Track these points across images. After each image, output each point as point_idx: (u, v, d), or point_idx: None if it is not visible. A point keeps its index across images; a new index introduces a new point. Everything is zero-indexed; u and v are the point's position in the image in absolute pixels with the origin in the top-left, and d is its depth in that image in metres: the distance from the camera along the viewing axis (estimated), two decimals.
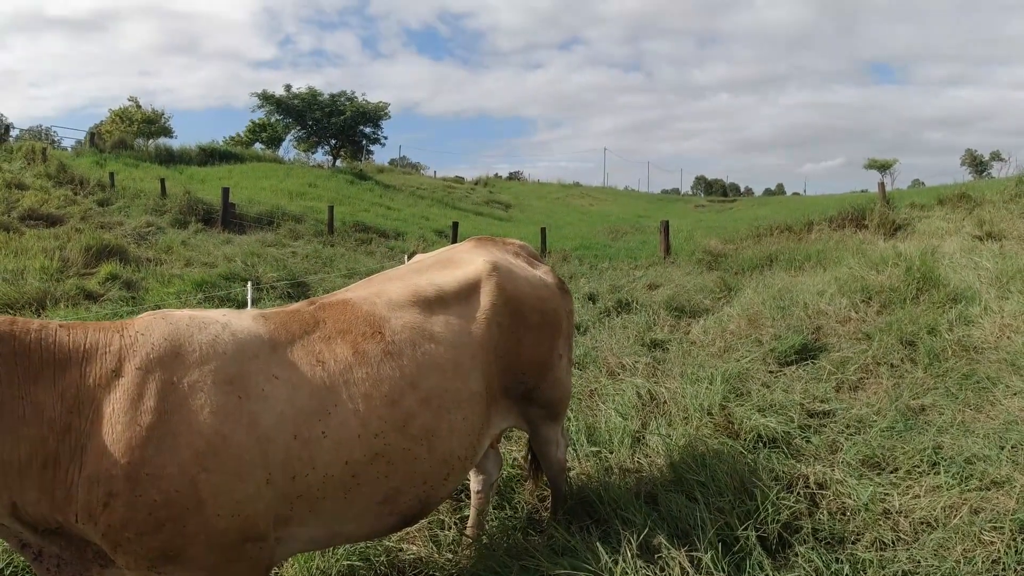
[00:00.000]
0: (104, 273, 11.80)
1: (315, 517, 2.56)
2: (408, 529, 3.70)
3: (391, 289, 3.03)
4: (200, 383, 2.36)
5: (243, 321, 2.62)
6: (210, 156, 36.06)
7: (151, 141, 37.14)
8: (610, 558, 2.91)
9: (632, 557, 2.90)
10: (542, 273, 3.51)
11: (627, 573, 2.83)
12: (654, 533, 3.13)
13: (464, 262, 3.30)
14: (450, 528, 3.82)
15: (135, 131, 39.42)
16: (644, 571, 2.84)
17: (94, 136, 36.80)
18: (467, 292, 3.14)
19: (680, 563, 2.89)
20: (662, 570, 2.91)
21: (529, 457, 4.03)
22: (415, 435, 2.72)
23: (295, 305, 2.91)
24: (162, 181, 23.12)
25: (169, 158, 34.02)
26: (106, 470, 2.19)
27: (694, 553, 2.99)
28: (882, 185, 15.47)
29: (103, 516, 2.20)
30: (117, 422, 2.23)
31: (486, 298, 3.15)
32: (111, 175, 24.14)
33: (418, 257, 3.48)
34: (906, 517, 3.73)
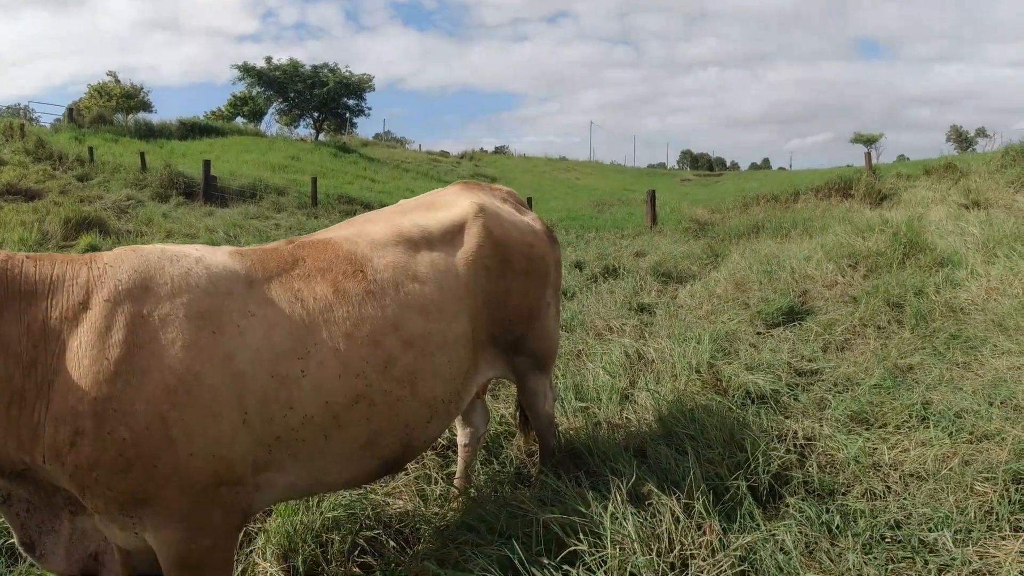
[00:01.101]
0: (84, 244, 11.66)
1: (294, 462, 2.46)
2: (395, 484, 3.65)
3: (373, 229, 2.91)
4: (171, 316, 2.24)
5: (218, 256, 2.49)
6: (191, 130, 35.65)
7: (130, 116, 36.72)
8: (600, 505, 2.85)
9: (622, 502, 2.85)
10: (529, 219, 3.41)
11: (617, 518, 2.77)
12: (644, 482, 3.08)
13: (449, 204, 3.19)
14: (437, 483, 3.75)
15: (114, 106, 38.94)
16: (635, 517, 2.78)
17: (73, 112, 36.28)
18: (452, 234, 3.04)
19: (672, 509, 2.83)
20: (652, 516, 2.86)
21: (518, 412, 3.96)
22: (398, 377, 2.62)
23: (273, 244, 2.79)
24: (142, 155, 22.79)
25: (149, 133, 33.61)
26: (72, 407, 2.09)
27: (686, 501, 2.94)
28: (868, 155, 15.45)
29: (70, 455, 2.10)
30: (84, 356, 2.12)
31: (472, 240, 3.04)
32: (90, 150, 23.83)
33: (402, 201, 3.37)
34: (896, 470, 3.70)
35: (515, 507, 3.04)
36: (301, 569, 3.03)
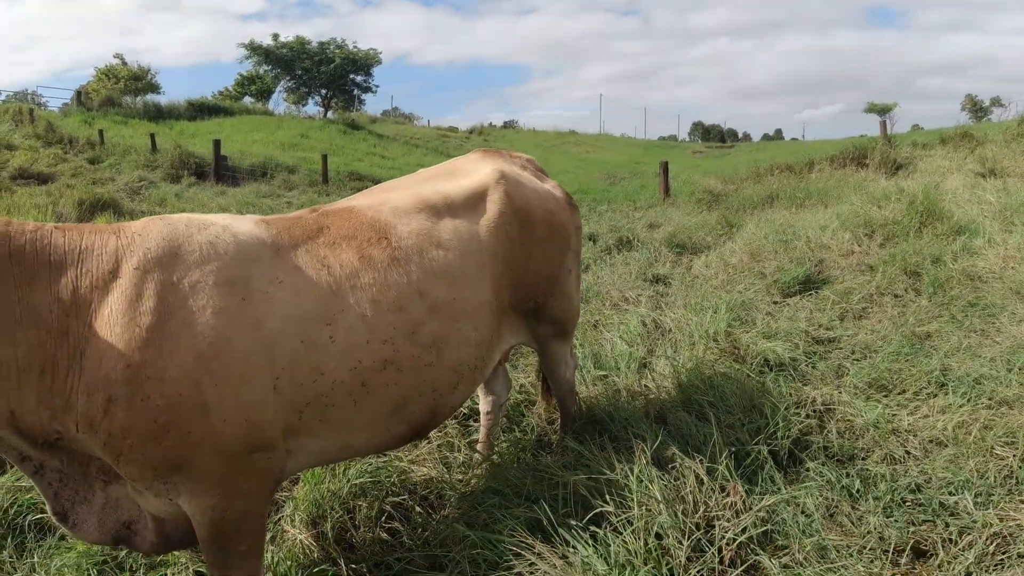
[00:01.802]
0: None
1: (325, 427, 2.49)
2: (418, 452, 3.70)
3: (396, 197, 2.93)
4: (201, 283, 2.26)
5: (244, 224, 2.52)
6: (199, 111, 35.67)
7: (139, 98, 36.74)
8: (624, 467, 2.89)
9: (647, 465, 2.88)
10: (550, 186, 3.42)
11: (642, 480, 2.81)
12: (666, 446, 3.11)
13: (470, 171, 3.21)
14: (460, 450, 3.80)
15: (122, 88, 38.97)
16: (660, 479, 2.82)
17: (81, 95, 36.32)
18: (474, 200, 3.05)
19: (695, 472, 2.87)
20: (676, 479, 2.89)
21: (540, 379, 3.99)
22: (424, 342, 2.65)
23: (297, 212, 2.81)
24: (152, 136, 22.86)
25: (158, 114, 33.64)
26: (105, 374, 2.11)
27: (709, 465, 2.97)
28: (884, 124, 15.30)
29: (104, 423, 2.13)
30: (115, 324, 2.14)
31: (494, 207, 3.06)
32: (100, 132, 23.89)
33: (421, 170, 3.38)
34: (915, 435, 3.71)
35: (541, 471, 3.08)
36: (330, 535, 3.08)
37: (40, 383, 2.11)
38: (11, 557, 3.10)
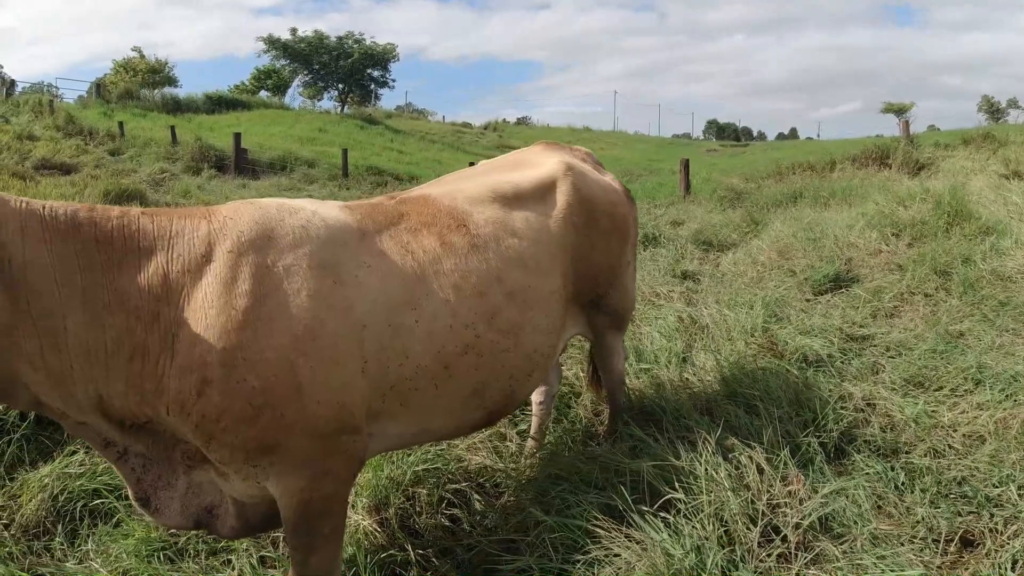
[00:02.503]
0: None
1: (406, 411, 2.55)
2: (471, 440, 3.77)
3: (468, 187, 2.99)
4: (295, 266, 2.29)
5: (331, 210, 2.57)
6: (217, 104, 35.95)
7: (157, 91, 37.02)
8: (688, 455, 2.98)
9: (712, 454, 2.97)
10: (609, 179, 3.50)
11: (708, 469, 2.90)
12: (725, 436, 3.20)
13: (537, 163, 3.28)
14: (511, 440, 3.89)
15: (140, 81, 39.23)
16: (724, 468, 2.91)
17: (100, 87, 36.60)
18: (543, 191, 3.12)
19: (756, 461, 2.95)
20: (736, 468, 2.98)
21: (590, 368, 4.08)
22: (503, 328, 2.70)
23: (375, 199, 2.88)
24: (172, 129, 23.06)
25: (176, 107, 33.94)
26: (200, 357, 2.13)
27: (767, 454, 3.06)
28: (906, 124, 15.35)
29: (197, 406, 2.15)
30: (210, 307, 2.16)
31: (562, 197, 3.12)
32: (120, 124, 24.13)
33: (483, 162, 3.47)
34: (955, 430, 3.78)
35: (606, 459, 3.17)
36: (394, 521, 3.15)
37: (129, 368, 2.14)
38: (62, 544, 3.13)
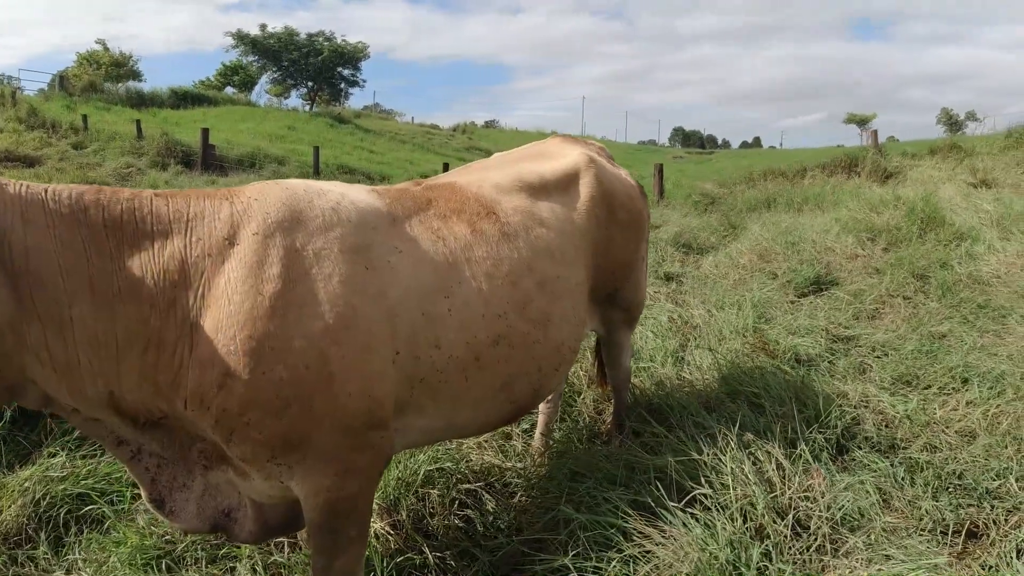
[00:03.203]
0: None
1: (434, 404, 2.46)
2: (477, 440, 3.73)
3: (493, 175, 2.94)
4: (326, 250, 2.18)
5: (360, 193, 2.48)
6: (183, 99, 35.39)
7: (121, 84, 36.30)
8: (710, 451, 3.00)
9: (736, 449, 2.99)
10: (624, 174, 3.51)
11: (734, 463, 2.92)
12: (742, 432, 3.23)
13: (560, 154, 3.26)
14: (516, 439, 3.86)
15: (103, 75, 38.46)
16: (745, 462, 2.93)
17: (63, 80, 35.78)
18: (567, 182, 3.09)
19: (775, 457, 2.99)
20: (754, 463, 3.01)
21: (596, 364, 4.09)
22: (533, 319, 2.64)
23: (401, 184, 2.80)
24: (138, 123, 22.68)
25: (140, 101, 33.32)
26: (223, 346, 2.00)
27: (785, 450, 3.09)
28: (875, 133, 15.67)
29: (218, 399, 2.02)
30: (234, 292, 2.03)
31: (586, 189, 3.11)
32: (84, 118, 23.60)
33: (496, 154, 3.45)
34: (948, 427, 3.87)
35: (628, 456, 3.17)
36: (407, 523, 3.06)
37: (143, 360, 2.01)
38: (47, 553, 2.97)
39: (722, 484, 2.87)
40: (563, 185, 3.07)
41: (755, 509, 2.76)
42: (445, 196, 2.67)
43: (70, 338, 1.95)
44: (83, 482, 3.30)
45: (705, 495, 2.84)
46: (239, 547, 2.95)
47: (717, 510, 2.76)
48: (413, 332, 2.32)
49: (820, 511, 2.79)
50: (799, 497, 2.87)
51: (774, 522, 2.72)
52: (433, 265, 2.43)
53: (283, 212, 2.19)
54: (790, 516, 2.77)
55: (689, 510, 2.77)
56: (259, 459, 2.15)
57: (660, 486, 2.89)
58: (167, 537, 3.01)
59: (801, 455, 3.10)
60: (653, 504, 2.80)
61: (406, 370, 2.33)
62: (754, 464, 3.00)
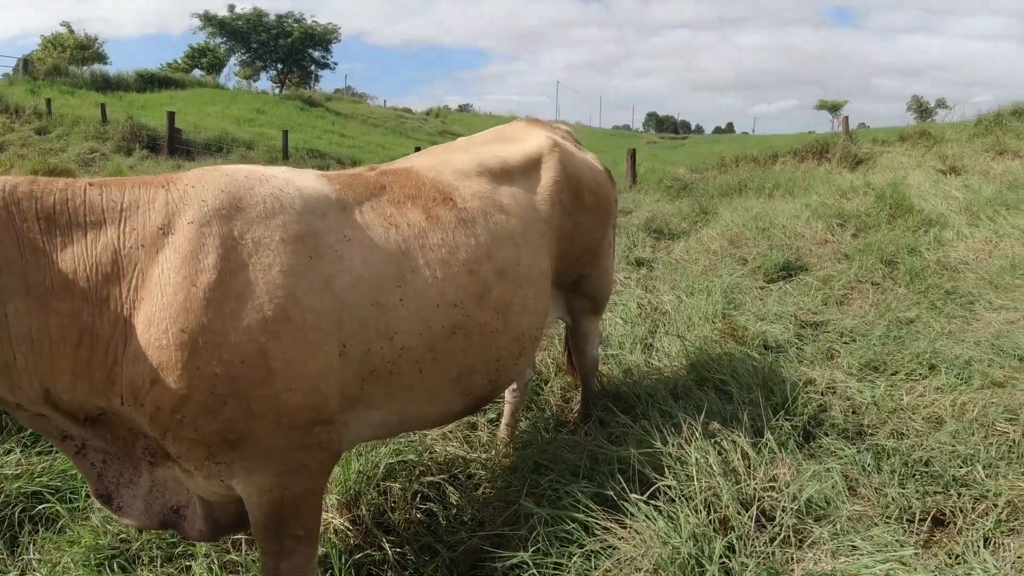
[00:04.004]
0: None
1: (387, 397, 2.37)
2: (441, 431, 3.65)
3: (454, 159, 2.85)
4: (267, 239, 2.08)
5: (307, 178, 2.37)
6: (149, 82, 34.68)
7: (85, 68, 35.50)
8: (675, 441, 2.95)
9: (701, 439, 2.94)
10: (591, 158, 3.44)
11: (698, 453, 2.87)
12: (707, 421, 3.18)
13: (523, 138, 3.18)
14: (481, 429, 3.80)
15: (68, 58, 37.63)
16: (710, 453, 2.88)
17: (27, 63, 34.91)
18: (530, 167, 3.01)
19: (740, 446, 2.94)
20: (719, 453, 2.96)
21: (566, 353, 4.02)
22: (492, 307, 2.55)
23: (355, 169, 2.69)
24: (102, 107, 22.19)
25: (106, 85, 32.59)
26: (155, 341, 1.91)
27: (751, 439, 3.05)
28: (846, 119, 15.71)
29: (151, 395, 1.94)
30: (168, 284, 1.94)
31: (549, 174, 3.02)
32: (48, 102, 23.08)
33: (461, 138, 3.35)
34: (915, 413, 3.86)
35: (592, 447, 3.11)
36: (367, 518, 3.00)
37: (76, 356, 1.94)
38: (1, 554, 2.89)
39: (687, 475, 2.81)
40: (526, 169, 2.99)
41: (720, 500, 2.71)
42: (400, 181, 2.57)
43: (5, 336, 1.87)
44: (38, 479, 3.21)
45: (669, 487, 2.79)
46: (195, 545, 2.88)
47: (681, 502, 2.72)
48: (362, 323, 2.23)
49: (785, 502, 2.75)
50: (765, 487, 2.82)
51: (739, 514, 2.67)
52: (384, 253, 2.33)
53: (221, 199, 2.09)
54: (754, 508, 2.72)
55: (653, 502, 2.71)
56: (196, 457, 2.07)
57: (624, 478, 2.83)
58: (122, 536, 2.95)
59: (767, 444, 3.05)
60: (615, 497, 2.75)
61: (355, 363, 2.24)
62: (720, 454, 2.96)
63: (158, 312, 1.93)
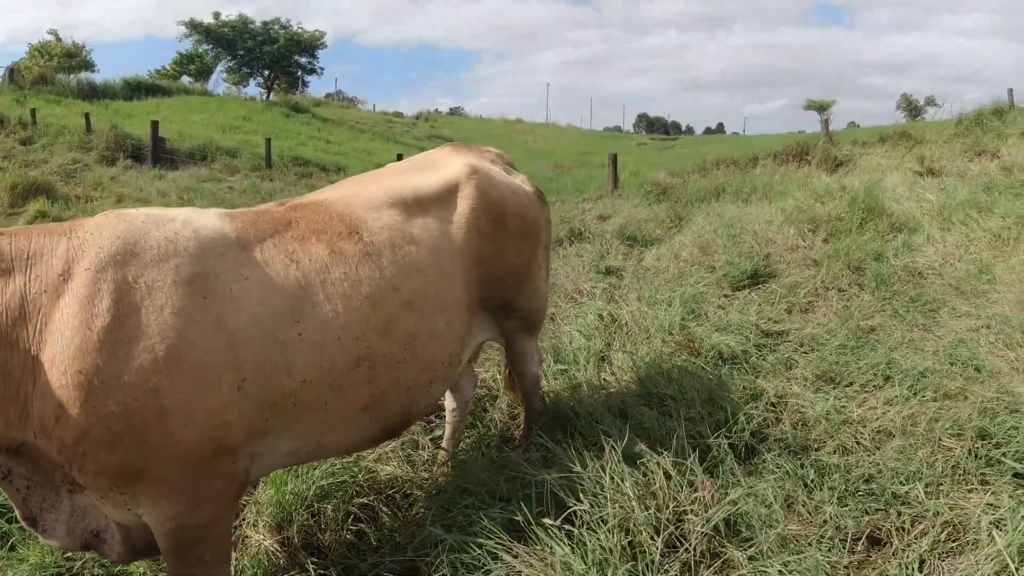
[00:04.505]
0: (32, 211, 11.40)
1: (294, 428, 2.44)
2: (382, 450, 3.65)
3: (367, 191, 2.89)
4: (159, 282, 2.19)
5: (206, 219, 2.44)
6: (136, 90, 34.50)
7: (72, 76, 35.32)
8: (596, 465, 2.92)
9: (618, 462, 2.91)
10: (520, 181, 3.42)
11: (614, 478, 2.84)
12: (634, 442, 3.15)
13: (442, 165, 3.18)
14: (424, 448, 3.78)
15: (55, 66, 37.47)
16: (631, 477, 2.85)
17: (13, 73, 34.79)
18: (446, 195, 3.03)
19: (664, 468, 2.91)
20: (644, 475, 2.93)
21: (507, 372, 3.99)
22: (398, 339, 2.61)
23: (264, 205, 2.75)
24: (87, 116, 21.99)
25: (92, 93, 32.41)
26: (56, 380, 2.05)
27: (674, 459, 3.02)
28: (826, 122, 15.75)
29: (56, 431, 2.07)
30: (66, 327, 2.07)
31: (465, 202, 3.04)
32: (32, 112, 22.87)
33: (390, 164, 3.35)
34: (865, 427, 3.82)
35: (513, 470, 3.09)
36: (296, 540, 3.03)
37: None
38: None
39: (604, 499, 2.78)
40: (442, 198, 3.02)
41: (634, 524, 2.68)
42: (307, 216, 2.64)
43: None
44: None
45: (584, 511, 2.76)
46: (133, 564, 2.96)
47: (597, 525, 2.69)
48: (260, 359, 2.32)
49: (701, 526, 2.71)
50: (684, 509, 2.79)
51: (651, 539, 2.64)
52: (283, 289, 2.41)
53: (117, 245, 2.21)
54: (666, 532, 2.68)
55: (567, 527, 2.69)
56: (102, 488, 2.19)
57: (541, 501, 2.83)
58: (68, 555, 3.02)
59: (691, 465, 3.01)
60: (527, 522, 2.73)
61: (256, 397, 2.31)
62: (644, 475, 2.93)
63: (59, 354, 2.06)
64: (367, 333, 2.52)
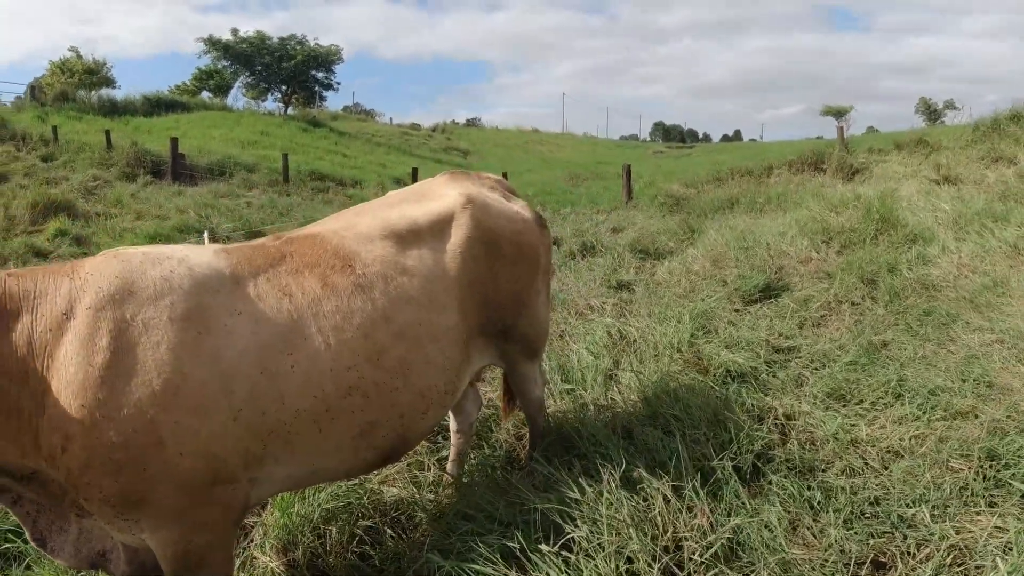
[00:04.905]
0: (53, 229, 11.62)
1: (290, 455, 2.53)
2: (388, 472, 3.69)
3: (361, 223, 2.96)
4: (155, 319, 2.30)
5: (202, 256, 2.55)
6: (156, 106, 34.92)
7: (93, 92, 35.81)
8: (594, 490, 2.92)
9: (616, 488, 2.92)
10: (518, 207, 3.44)
11: (612, 504, 2.85)
12: (634, 466, 3.15)
13: (438, 195, 3.23)
14: (429, 469, 3.81)
15: (76, 83, 37.99)
16: (628, 502, 2.86)
17: (35, 89, 35.40)
18: (441, 225, 3.09)
19: (663, 493, 2.91)
20: (644, 500, 2.93)
21: (504, 394, 4.01)
22: (390, 368, 2.69)
23: (260, 240, 2.84)
24: (107, 133, 22.26)
25: (113, 109, 32.85)
26: (61, 413, 2.18)
27: (675, 483, 3.02)
28: (841, 129, 15.64)
29: (62, 460, 2.20)
30: (69, 364, 2.19)
31: (460, 231, 3.09)
32: (54, 129, 23.22)
33: (391, 193, 3.39)
34: (873, 447, 3.79)
35: (512, 495, 3.10)
36: (302, 561, 3.08)
37: (7, 425, 2.19)
38: None
39: (603, 525, 2.79)
40: (436, 228, 3.08)
41: (632, 552, 2.68)
42: (301, 250, 2.73)
43: None
44: (10, 519, 3.37)
45: (582, 537, 2.77)
46: None
47: (591, 553, 2.70)
48: (253, 390, 2.41)
49: (699, 553, 2.70)
50: (682, 536, 2.78)
51: (649, 566, 2.63)
52: (276, 323, 2.50)
53: (115, 285, 2.33)
54: (664, 559, 2.68)
55: (565, 554, 2.70)
56: (107, 514, 2.30)
57: (540, 527, 2.85)
58: (82, 574, 3.06)
59: (693, 488, 3.00)
60: (523, 549, 2.74)
61: (252, 426, 2.41)
62: (644, 500, 2.92)
63: (63, 388, 2.19)
64: (359, 363, 2.61)
